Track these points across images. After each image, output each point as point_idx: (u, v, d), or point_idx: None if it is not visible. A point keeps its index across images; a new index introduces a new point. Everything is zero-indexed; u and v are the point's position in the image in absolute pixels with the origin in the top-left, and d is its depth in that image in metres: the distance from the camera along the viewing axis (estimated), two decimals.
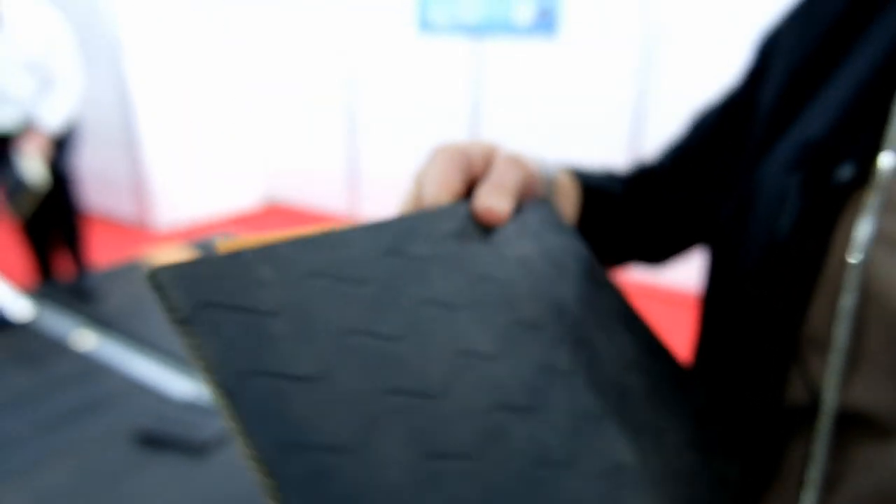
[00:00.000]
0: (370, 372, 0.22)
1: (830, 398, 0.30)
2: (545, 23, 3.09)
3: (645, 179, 0.48)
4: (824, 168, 0.32)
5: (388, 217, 0.27)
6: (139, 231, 3.87)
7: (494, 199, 0.29)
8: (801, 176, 0.33)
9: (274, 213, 4.45)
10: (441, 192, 0.29)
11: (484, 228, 0.29)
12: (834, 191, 0.31)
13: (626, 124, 3.02)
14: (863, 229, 0.29)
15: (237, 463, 1.60)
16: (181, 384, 2.01)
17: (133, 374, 2.08)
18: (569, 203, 0.41)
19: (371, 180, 4.06)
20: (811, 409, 0.31)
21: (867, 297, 0.29)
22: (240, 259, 0.21)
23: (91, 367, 2.12)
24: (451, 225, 0.28)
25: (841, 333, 0.30)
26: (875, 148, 0.30)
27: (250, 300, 0.21)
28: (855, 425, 0.30)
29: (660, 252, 0.50)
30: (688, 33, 2.79)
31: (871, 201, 0.29)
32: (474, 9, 3.28)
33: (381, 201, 4.03)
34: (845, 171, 0.31)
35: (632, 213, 0.47)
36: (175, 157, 3.90)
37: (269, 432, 0.18)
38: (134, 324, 2.48)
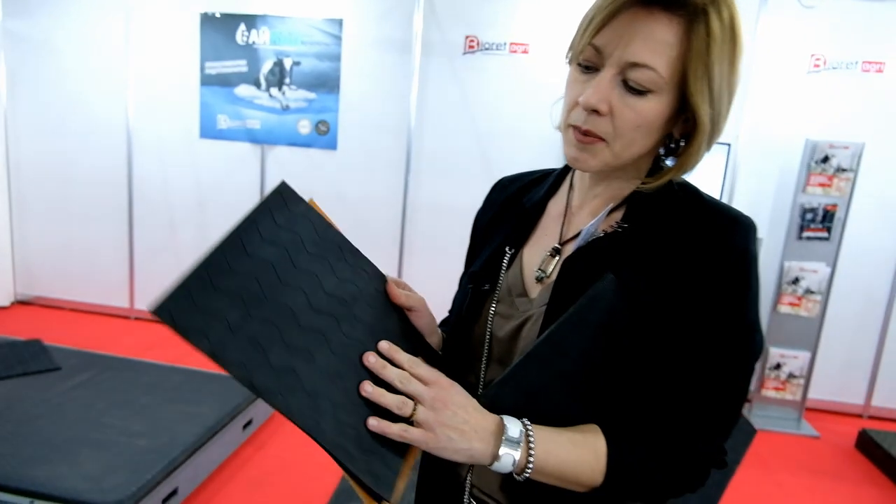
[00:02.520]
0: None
1: (482, 376, 0.75)
2: (325, 138, 3.61)
3: None
4: (479, 284, 0.79)
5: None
6: None
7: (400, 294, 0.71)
8: (470, 286, 0.79)
9: (24, 310, 4.08)
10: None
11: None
12: (481, 294, 0.78)
13: (396, 221, 3.63)
14: (491, 309, 0.75)
15: None
16: None
17: None
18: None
19: (147, 273, 4.02)
20: (478, 380, 0.76)
21: (492, 335, 0.75)
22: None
23: None
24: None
25: (484, 350, 0.75)
26: (497, 278, 0.77)
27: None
28: (488, 385, 0.75)
29: None
30: (435, 153, 3.55)
31: (493, 298, 0.76)
32: (259, 122, 3.66)
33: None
34: (486, 286, 0.78)
35: None
36: None
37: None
38: None
